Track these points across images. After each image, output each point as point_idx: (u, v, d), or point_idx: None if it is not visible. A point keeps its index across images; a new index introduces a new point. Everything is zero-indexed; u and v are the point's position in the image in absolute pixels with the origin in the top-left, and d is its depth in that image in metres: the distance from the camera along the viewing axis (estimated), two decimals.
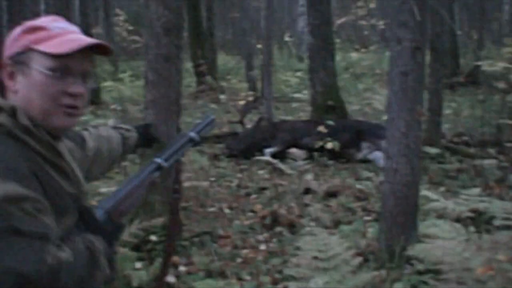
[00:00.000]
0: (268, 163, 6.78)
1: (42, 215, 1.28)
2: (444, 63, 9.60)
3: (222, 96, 13.13)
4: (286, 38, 21.47)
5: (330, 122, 7.05)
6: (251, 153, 7.40)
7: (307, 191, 5.80)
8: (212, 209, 5.37)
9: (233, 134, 8.35)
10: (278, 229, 4.80)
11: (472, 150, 7.12)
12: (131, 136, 2.07)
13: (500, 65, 7.42)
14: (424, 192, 5.09)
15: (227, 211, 5.35)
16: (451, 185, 5.92)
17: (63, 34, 1.42)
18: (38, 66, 1.38)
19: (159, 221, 3.59)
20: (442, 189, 5.79)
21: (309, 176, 6.14)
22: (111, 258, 1.45)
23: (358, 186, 5.89)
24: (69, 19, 1.50)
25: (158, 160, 1.75)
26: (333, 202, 5.47)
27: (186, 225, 4.88)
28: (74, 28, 1.49)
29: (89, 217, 1.46)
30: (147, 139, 2.17)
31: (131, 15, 21.49)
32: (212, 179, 6.39)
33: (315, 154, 6.87)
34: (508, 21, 26.92)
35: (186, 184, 5.80)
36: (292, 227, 4.87)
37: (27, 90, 1.39)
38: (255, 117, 10.23)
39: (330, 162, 6.93)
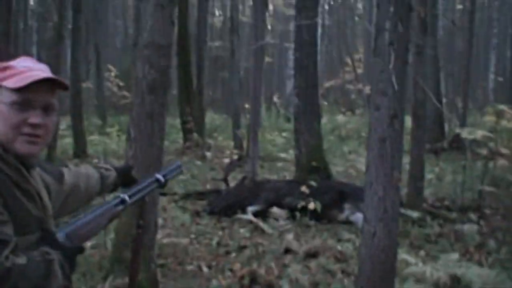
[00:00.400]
0: (249, 221, 6.77)
1: (1, 226, 1.42)
2: (427, 128, 9.78)
3: (208, 153, 13.18)
4: (275, 99, 21.80)
5: (313, 183, 7.09)
6: (233, 211, 7.38)
7: (287, 251, 5.78)
8: (190, 267, 5.31)
9: (216, 191, 8.35)
10: None
11: (453, 215, 7.16)
12: (110, 175, 2.15)
13: (479, 133, 7.57)
14: (403, 255, 5.10)
15: (205, 269, 5.30)
16: (431, 249, 5.92)
17: (27, 72, 1.57)
18: (3, 99, 1.55)
19: None
20: (422, 253, 5.79)
21: (290, 236, 6.12)
22: (66, 270, 1.53)
23: (338, 247, 5.87)
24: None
25: (123, 195, 1.86)
26: (313, 263, 5.44)
27: (162, 283, 4.83)
28: (40, 66, 1.64)
29: (50, 236, 1.57)
30: (126, 180, 2.20)
31: (122, 71, 21.80)
32: (192, 236, 6.36)
33: (297, 214, 6.88)
34: (493, 90, 27.61)
35: (165, 240, 5.78)
36: None
37: None
38: (240, 175, 10.29)
39: (312, 222, 6.93)
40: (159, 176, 2.06)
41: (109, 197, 2.04)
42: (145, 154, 3.63)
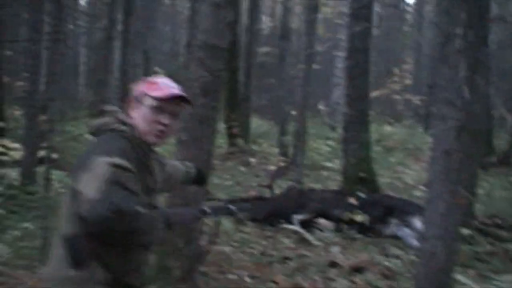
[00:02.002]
0: (294, 231, 6.59)
1: (135, 186, 1.95)
2: (479, 143, 9.43)
3: (252, 159, 13.04)
4: (320, 107, 21.52)
5: (362, 195, 6.88)
6: (277, 219, 7.23)
7: (333, 264, 5.59)
8: (232, 277, 5.17)
9: (260, 198, 8.19)
10: None
11: (504, 233, 6.83)
12: (192, 172, 2.80)
13: None
14: (457, 275, 4.84)
15: (247, 279, 5.15)
16: (482, 269, 5.63)
17: (166, 88, 2.22)
18: (147, 103, 2.20)
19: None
20: (472, 272, 5.51)
21: (335, 249, 5.92)
22: (163, 229, 2.02)
23: (386, 263, 5.65)
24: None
25: (206, 208, 2.27)
26: (359, 279, 5.23)
27: None
28: (174, 85, 2.28)
29: (154, 207, 2.17)
30: (201, 179, 2.85)
31: (170, 74, 21.89)
32: (235, 244, 6.21)
33: (343, 226, 6.67)
34: None
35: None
36: None
37: (138, 117, 2.20)
38: (284, 183, 10.12)
39: (358, 235, 6.71)
40: (231, 206, 2.43)
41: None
42: (194, 158, 3.51)
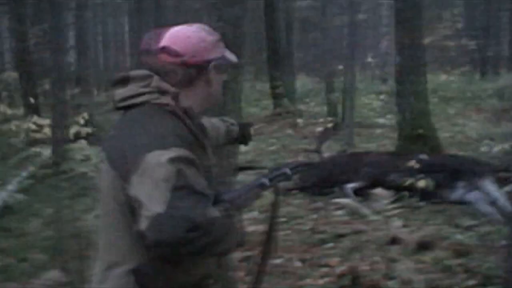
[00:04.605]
0: (347, 204, 5.86)
1: (202, 179, 1.57)
2: None
3: (299, 120, 12.32)
4: (369, 59, 20.51)
5: (423, 156, 6.05)
6: (328, 187, 6.50)
7: (395, 240, 4.84)
8: (279, 261, 4.51)
9: (308, 164, 7.44)
10: None
11: None
12: (234, 130, 2.33)
13: None
14: None
15: (297, 264, 4.49)
16: None
17: (222, 46, 1.85)
18: (217, 71, 1.80)
19: None
20: None
21: (397, 222, 5.14)
22: (241, 225, 1.69)
23: (458, 236, 4.87)
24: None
25: (263, 179, 1.90)
26: (427, 257, 4.47)
27: (246, 283, 4.06)
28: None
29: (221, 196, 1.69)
30: (244, 137, 2.39)
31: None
32: (282, 219, 5.51)
33: (404, 194, 5.87)
34: None
35: (250, 228, 4.97)
36: None
37: (198, 90, 1.79)
38: (334, 145, 9.35)
39: (421, 203, 5.91)
40: (287, 170, 2.06)
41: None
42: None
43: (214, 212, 1.53)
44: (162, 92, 1.70)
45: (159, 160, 1.51)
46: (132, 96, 1.71)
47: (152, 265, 1.56)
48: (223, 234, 1.54)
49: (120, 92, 1.74)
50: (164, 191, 1.47)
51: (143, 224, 1.46)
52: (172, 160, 1.52)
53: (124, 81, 1.75)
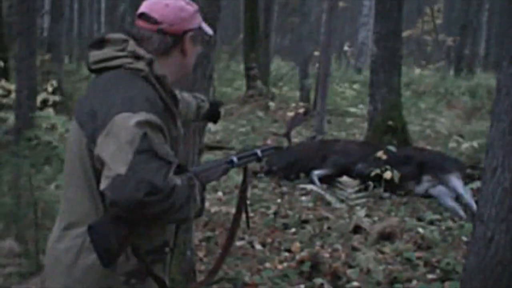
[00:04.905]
0: (312, 190, 5.83)
1: (168, 149, 1.60)
2: None
3: (271, 104, 12.24)
4: (345, 48, 20.50)
5: (391, 148, 6.05)
6: (295, 173, 6.48)
7: (357, 229, 4.85)
8: (241, 243, 4.48)
9: (279, 148, 7.40)
10: (318, 280, 3.87)
11: None
12: (204, 107, 2.30)
13: None
14: None
15: (258, 247, 4.46)
16: None
17: (199, 17, 1.85)
18: (195, 42, 1.83)
19: None
20: None
21: (360, 212, 5.13)
22: (202, 195, 1.68)
23: (419, 230, 4.89)
24: None
25: (233, 157, 1.92)
26: (388, 249, 4.48)
27: (205, 263, 4.02)
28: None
29: (185, 167, 1.71)
30: (214, 115, 2.36)
31: None
32: (247, 202, 5.47)
33: (370, 184, 5.87)
34: None
35: (213, 209, 4.92)
36: (337, 278, 3.94)
37: (174, 59, 1.80)
38: (305, 131, 9.32)
39: (386, 195, 5.92)
40: (258, 151, 2.07)
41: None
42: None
43: (176, 179, 1.55)
44: (137, 58, 1.70)
45: (126, 122, 1.53)
46: (107, 59, 1.71)
47: (107, 224, 1.54)
48: (183, 203, 1.55)
49: (95, 54, 1.73)
50: (127, 153, 1.49)
51: (104, 183, 1.48)
52: (139, 124, 1.53)
53: (100, 44, 1.74)
